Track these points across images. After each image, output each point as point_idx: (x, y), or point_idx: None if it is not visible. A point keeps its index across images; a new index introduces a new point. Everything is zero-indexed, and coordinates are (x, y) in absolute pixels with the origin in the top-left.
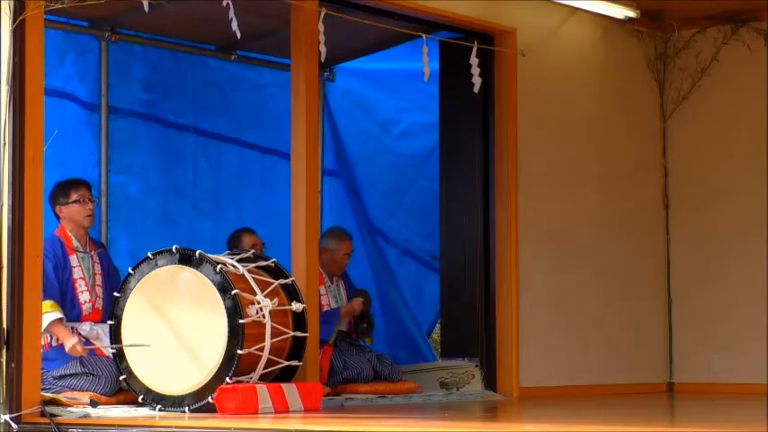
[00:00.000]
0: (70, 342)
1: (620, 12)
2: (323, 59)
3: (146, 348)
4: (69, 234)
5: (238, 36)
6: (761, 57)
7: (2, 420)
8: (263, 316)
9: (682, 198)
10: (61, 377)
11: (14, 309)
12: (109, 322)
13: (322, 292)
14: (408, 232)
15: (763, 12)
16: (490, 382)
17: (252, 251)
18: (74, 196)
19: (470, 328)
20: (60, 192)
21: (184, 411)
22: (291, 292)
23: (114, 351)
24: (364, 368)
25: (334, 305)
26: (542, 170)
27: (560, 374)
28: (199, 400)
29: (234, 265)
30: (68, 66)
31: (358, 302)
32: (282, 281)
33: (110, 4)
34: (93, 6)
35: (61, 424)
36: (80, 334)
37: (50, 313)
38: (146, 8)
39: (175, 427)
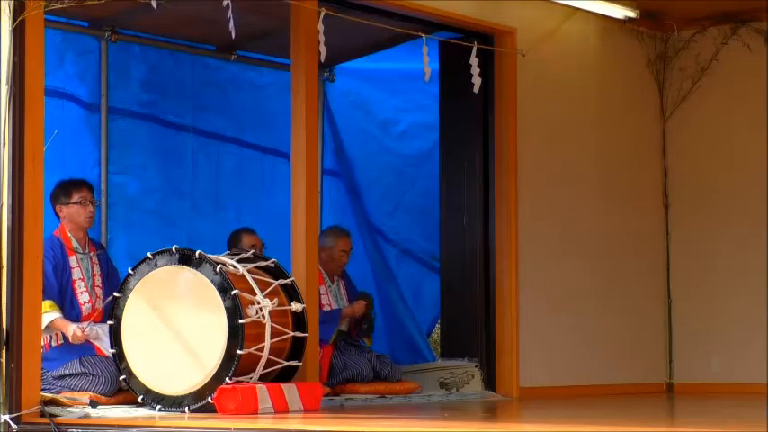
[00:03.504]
0: (70, 329)
1: (620, 12)
2: (323, 59)
3: (146, 348)
4: (69, 234)
5: (233, 36)
6: (761, 57)
7: (2, 420)
8: (263, 316)
9: (682, 198)
10: (61, 377)
11: (14, 309)
12: (109, 322)
13: (322, 292)
14: (408, 232)
15: (763, 12)
16: (490, 383)
17: (252, 251)
18: (75, 197)
19: (470, 328)
20: (62, 191)
21: (184, 411)
22: (291, 293)
23: (114, 351)
24: (364, 368)
25: (334, 305)
26: (542, 170)
27: (560, 374)
28: (199, 400)
29: (234, 266)
30: (68, 66)
31: (360, 305)
32: (282, 281)
33: (110, 4)
34: (93, 6)
35: (61, 424)
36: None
37: (49, 313)
38: (154, 5)
39: (175, 427)
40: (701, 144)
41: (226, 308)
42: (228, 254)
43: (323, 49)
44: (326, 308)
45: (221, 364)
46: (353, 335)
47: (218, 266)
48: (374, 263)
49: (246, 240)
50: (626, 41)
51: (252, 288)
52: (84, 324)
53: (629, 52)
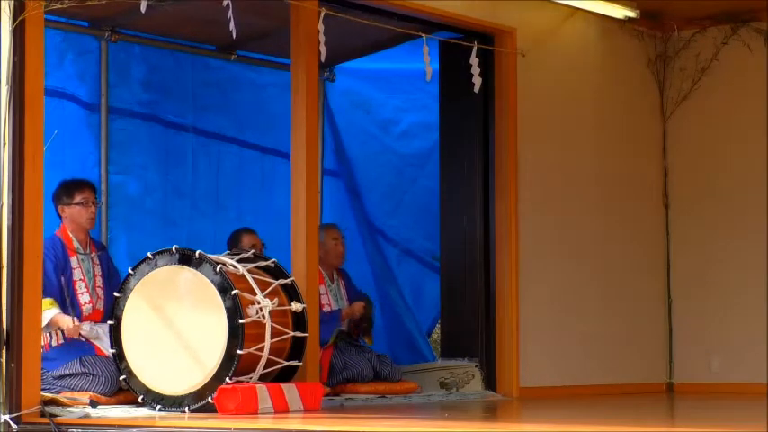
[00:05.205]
0: (65, 321)
1: (620, 12)
2: (323, 59)
3: (146, 348)
4: (70, 235)
5: (234, 36)
6: (761, 57)
7: (2, 420)
8: (263, 316)
9: (682, 198)
10: (61, 377)
11: (14, 309)
12: (109, 322)
13: (322, 292)
14: (408, 232)
15: (763, 12)
16: (490, 382)
17: (252, 251)
18: (77, 198)
19: (470, 328)
20: (64, 192)
21: (184, 411)
22: (291, 292)
23: (114, 351)
24: (364, 368)
25: (334, 305)
26: (542, 170)
27: (560, 374)
28: (199, 400)
29: (234, 266)
30: (68, 66)
31: (359, 306)
32: (282, 281)
33: (110, 5)
34: (93, 6)
35: (61, 424)
36: (80, 333)
37: (49, 310)
38: (142, 9)
39: (175, 427)
40: (701, 144)
41: (226, 308)
42: (228, 254)
43: (323, 49)
44: (326, 308)
45: (221, 364)
46: (354, 334)
47: (219, 266)
48: (374, 263)
49: (246, 240)
50: (626, 41)
51: (252, 288)
52: (86, 325)
53: (629, 52)
